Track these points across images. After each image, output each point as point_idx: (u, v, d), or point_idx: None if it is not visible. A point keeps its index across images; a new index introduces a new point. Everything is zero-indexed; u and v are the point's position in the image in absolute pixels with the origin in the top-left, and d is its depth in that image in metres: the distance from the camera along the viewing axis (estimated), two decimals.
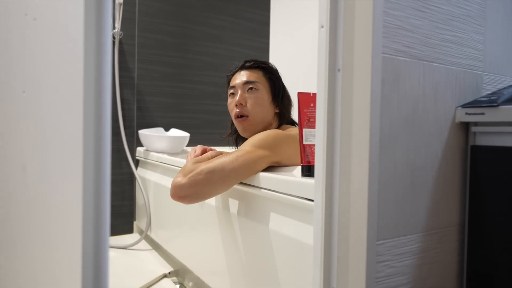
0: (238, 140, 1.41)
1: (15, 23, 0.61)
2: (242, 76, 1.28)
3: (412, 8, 0.65)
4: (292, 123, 1.34)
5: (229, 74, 1.36)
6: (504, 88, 0.74)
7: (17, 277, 0.66)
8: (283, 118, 1.30)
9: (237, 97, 1.24)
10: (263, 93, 1.26)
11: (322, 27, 0.65)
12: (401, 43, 0.64)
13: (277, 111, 1.29)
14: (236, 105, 1.25)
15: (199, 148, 1.22)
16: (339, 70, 0.64)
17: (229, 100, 1.30)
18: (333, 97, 0.65)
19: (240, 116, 1.25)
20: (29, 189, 0.59)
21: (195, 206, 1.30)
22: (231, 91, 1.29)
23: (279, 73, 1.35)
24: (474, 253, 0.73)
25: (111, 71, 0.45)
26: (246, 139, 1.27)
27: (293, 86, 2.00)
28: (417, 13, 0.66)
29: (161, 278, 1.49)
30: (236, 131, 1.37)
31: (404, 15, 0.64)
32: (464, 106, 0.72)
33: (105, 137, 0.44)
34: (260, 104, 1.25)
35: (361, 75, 0.61)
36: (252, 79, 1.26)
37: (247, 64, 1.30)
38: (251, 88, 1.25)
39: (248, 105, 1.24)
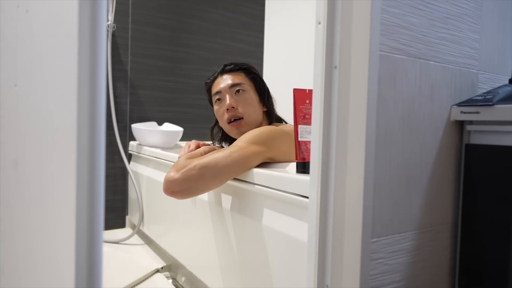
0: (224, 142, 1.38)
1: (7, 15, 0.60)
2: (226, 80, 1.24)
3: (410, 6, 0.65)
4: (280, 120, 1.33)
5: (208, 81, 1.31)
6: (499, 87, 0.74)
7: (9, 272, 0.66)
8: (272, 116, 1.29)
9: (227, 101, 1.21)
10: (251, 93, 1.24)
11: (319, 23, 0.65)
12: (398, 40, 0.64)
13: (265, 109, 1.28)
14: (228, 109, 1.21)
15: (193, 143, 1.21)
16: (336, 67, 0.63)
17: (216, 106, 1.26)
18: (329, 94, 0.64)
19: (233, 120, 1.21)
20: (21, 185, 0.58)
21: (188, 201, 1.30)
22: (217, 97, 1.25)
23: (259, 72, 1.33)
24: (466, 250, 0.74)
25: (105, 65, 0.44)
26: (234, 139, 1.25)
27: (288, 82, 2.00)
28: (414, 11, 0.66)
29: (154, 273, 1.49)
30: (222, 135, 1.35)
31: (401, 12, 0.64)
32: (460, 104, 0.72)
33: (99, 132, 0.44)
34: (251, 104, 1.23)
35: (358, 73, 0.61)
36: (237, 81, 1.23)
37: (228, 68, 1.27)
38: (238, 91, 1.22)
39: (239, 107, 1.21)
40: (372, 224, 0.62)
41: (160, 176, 1.59)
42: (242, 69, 1.28)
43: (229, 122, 1.22)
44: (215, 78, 1.29)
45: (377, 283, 0.64)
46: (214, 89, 1.27)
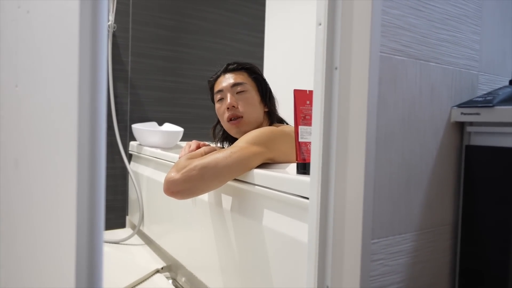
0: (225, 142, 1.39)
1: (8, 16, 0.60)
2: (228, 79, 1.24)
3: (410, 7, 0.65)
4: (281, 121, 1.33)
5: (211, 79, 1.32)
6: (500, 88, 0.74)
7: (10, 272, 0.66)
8: (273, 117, 1.29)
9: (228, 100, 1.21)
10: (253, 93, 1.24)
11: (320, 24, 0.65)
12: (399, 42, 0.64)
13: (266, 110, 1.28)
14: (228, 108, 1.21)
15: (193, 143, 1.21)
16: (336, 68, 0.64)
17: (218, 105, 1.26)
18: (330, 95, 0.64)
19: (233, 118, 1.21)
20: (22, 185, 0.59)
21: (188, 201, 1.30)
22: (219, 95, 1.25)
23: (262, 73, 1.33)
24: (466, 252, 0.74)
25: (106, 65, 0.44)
26: (235, 139, 1.25)
27: (288, 82, 2.00)
28: (415, 12, 0.66)
29: (154, 273, 1.49)
30: (223, 134, 1.36)
31: (402, 14, 0.64)
32: (460, 106, 0.72)
33: (100, 132, 0.44)
34: (252, 104, 1.23)
35: (359, 74, 0.61)
36: (239, 80, 1.23)
37: (231, 67, 1.27)
38: (240, 90, 1.22)
39: (240, 106, 1.21)
40: (372, 225, 0.62)
41: (160, 176, 1.59)
42: (244, 69, 1.28)
43: (229, 120, 1.22)
44: (218, 76, 1.29)
45: (377, 284, 0.64)
46: (216, 87, 1.27)
